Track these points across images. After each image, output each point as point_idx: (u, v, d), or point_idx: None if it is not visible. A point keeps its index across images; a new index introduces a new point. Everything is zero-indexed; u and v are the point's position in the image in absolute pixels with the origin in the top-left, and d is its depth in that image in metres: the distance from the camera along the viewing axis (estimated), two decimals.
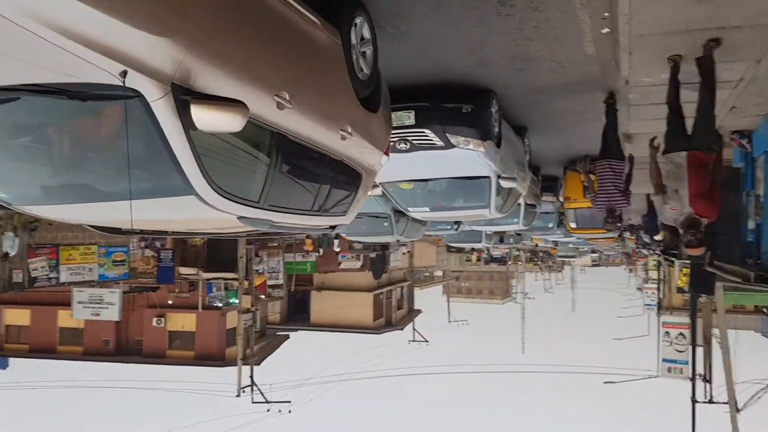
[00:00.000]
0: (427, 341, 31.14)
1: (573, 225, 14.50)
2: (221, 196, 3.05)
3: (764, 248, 7.93)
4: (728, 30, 4.58)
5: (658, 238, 19.00)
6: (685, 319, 16.79)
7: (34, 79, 2.47)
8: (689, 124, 5.02)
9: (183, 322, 26.56)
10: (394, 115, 6.31)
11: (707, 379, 15.67)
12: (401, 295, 37.54)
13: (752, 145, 8.36)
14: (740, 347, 15.14)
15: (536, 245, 37.21)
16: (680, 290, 22.46)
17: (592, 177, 7.51)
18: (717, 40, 4.63)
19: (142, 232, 3.99)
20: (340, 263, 29.64)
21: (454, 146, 6.47)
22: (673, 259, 17.33)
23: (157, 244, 22.73)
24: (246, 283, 22.66)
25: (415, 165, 6.89)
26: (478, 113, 6.44)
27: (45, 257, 17.54)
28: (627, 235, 25.48)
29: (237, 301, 22.59)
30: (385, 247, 28.10)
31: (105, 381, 29.39)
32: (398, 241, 13.41)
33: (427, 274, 51.82)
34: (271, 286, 26.42)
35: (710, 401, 15.43)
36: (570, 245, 37.74)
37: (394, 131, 6.32)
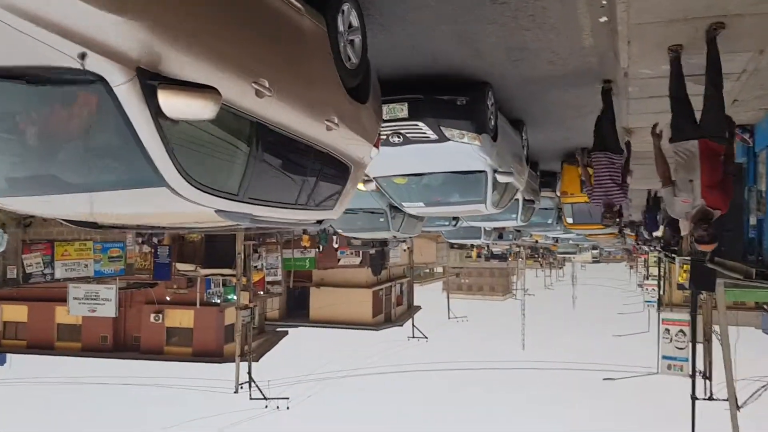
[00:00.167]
0: (426, 338, 31.06)
1: (570, 220, 14.14)
2: (195, 187, 2.90)
3: (766, 244, 7.80)
4: (729, 18, 4.42)
5: (657, 234, 18.88)
6: (685, 316, 16.65)
7: None
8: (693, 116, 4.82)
9: (181, 318, 26.54)
10: (386, 107, 6.16)
11: (707, 376, 15.55)
12: (401, 292, 37.47)
13: (754, 140, 8.21)
14: (740, 344, 14.99)
15: (536, 242, 37.03)
16: (680, 287, 22.36)
17: (590, 171, 7.33)
18: (721, 23, 4.44)
19: (118, 226, 3.84)
20: (339, 259, 29.57)
21: (448, 139, 6.31)
22: (674, 255, 17.20)
23: (155, 240, 22.65)
24: (244, 279, 22.55)
25: (409, 159, 6.74)
26: (474, 106, 6.28)
27: (39, 253, 17.37)
28: (627, 231, 25.30)
29: (235, 298, 22.48)
30: (384, 243, 27.96)
31: (103, 377, 29.33)
32: (395, 237, 13.26)
33: (427, 270, 51.74)
34: (269, 283, 26.37)
35: (710, 398, 15.32)
36: (570, 242, 37.63)
37: (386, 124, 6.17)
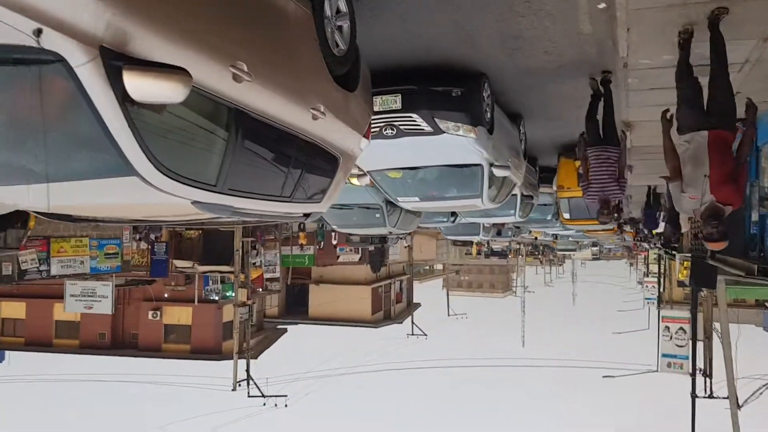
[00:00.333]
0: (425, 335, 30.95)
1: (567, 216, 13.65)
2: (169, 177, 2.74)
3: None
4: (732, 2, 4.25)
5: (658, 231, 18.71)
6: (686, 314, 16.52)
7: None
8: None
9: (179, 315, 26.50)
10: (379, 99, 6.01)
11: (707, 374, 15.43)
12: (400, 289, 37.37)
13: (757, 134, 8.04)
14: (741, 342, 14.88)
15: (536, 238, 36.88)
16: (681, 284, 22.23)
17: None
18: (724, 8, 4.24)
19: (95, 219, 3.69)
20: (338, 256, 29.45)
21: (443, 132, 6.16)
22: (674, 252, 17.05)
23: (152, 236, 22.54)
24: (242, 276, 22.45)
25: (403, 152, 6.58)
26: (469, 97, 6.12)
27: (35, 250, 17.26)
28: (627, 228, 25.13)
29: (233, 295, 22.38)
30: (384, 239, 27.83)
31: (101, 374, 29.25)
32: (390, 232, 13.10)
33: (427, 267, 51.62)
34: (268, 280, 26.28)
35: (710, 396, 15.21)
36: (570, 238, 37.49)
37: (379, 116, 6.02)
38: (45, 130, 2.36)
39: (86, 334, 26.65)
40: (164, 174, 2.71)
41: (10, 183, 2.60)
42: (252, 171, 3.38)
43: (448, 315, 43.17)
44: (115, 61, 2.27)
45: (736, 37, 4.78)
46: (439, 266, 55.20)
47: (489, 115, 6.55)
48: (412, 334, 30.89)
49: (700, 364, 15.62)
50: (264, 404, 21.19)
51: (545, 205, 14.67)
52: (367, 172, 7.48)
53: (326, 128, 3.95)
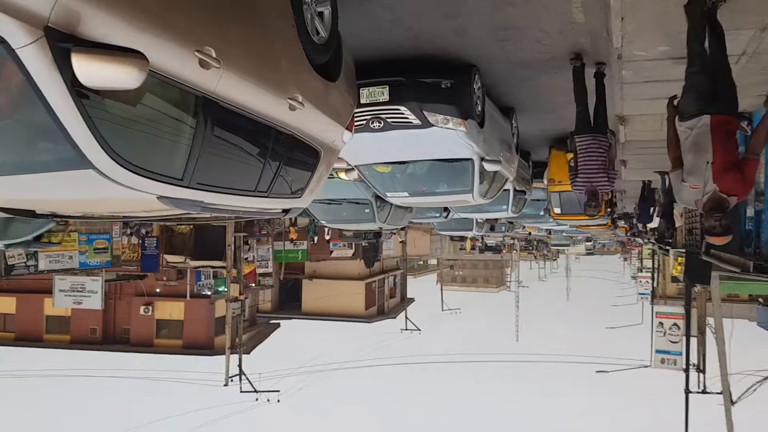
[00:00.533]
0: (419, 330, 30.91)
1: (558, 210, 13.09)
2: (130, 170, 2.55)
3: (764, 237, 7.52)
4: None
5: (652, 226, 18.63)
6: (679, 310, 16.46)
7: None
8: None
9: (171, 310, 26.33)
10: (366, 90, 5.82)
11: (701, 369, 15.39)
12: (394, 284, 37.26)
13: (752, 128, 7.90)
14: (734, 337, 14.82)
15: (530, 233, 36.81)
16: (674, 279, 22.21)
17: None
18: None
19: (60, 215, 3.50)
20: (331, 251, 29.30)
21: (432, 125, 5.96)
22: (668, 248, 16.97)
23: (142, 231, 22.34)
24: (234, 271, 22.31)
25: (391, 146, 6.39)
26: (459, 89, 5.93)
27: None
28: (621, 223, 25.06)
29: (226, 290, 22.25)
30: (378, 235, 27.69)
31: (92, 370, 29.05)
32: (381, 228, 12.94)
33: (421, 262, 51.55)
34: (261, 275, 26.15)
35: (704, 391, 15.17)
36: (564, 234, 37.43)
37: (366, 108, 5.83)
38: None
39: (77, 329, 26.45)
40: (123, 167, 2.52)
41: None
42: (223, 164, 3.19)
43: (442, 310, 43.12)
44: (63, 42, 2.07)
45: (734, 27, 4.62)
46: (433, 261, 55.12)
47: (479, 107, 6.37)
48: (406, 329, 30.85)
49: (693, 359, 15.59)
50: (256, 399, 21.18)
51: (539, 200, 14.50)
52: (355, 166, 7.29)
53: (305, 119, 3.75)
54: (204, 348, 25.87)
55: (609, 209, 13.84)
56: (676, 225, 15.06)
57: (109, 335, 26.80)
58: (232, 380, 20.88)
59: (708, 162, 3.69)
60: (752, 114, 7.85)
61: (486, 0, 4.90)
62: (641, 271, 39.75)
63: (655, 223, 17.35)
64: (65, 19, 2.07)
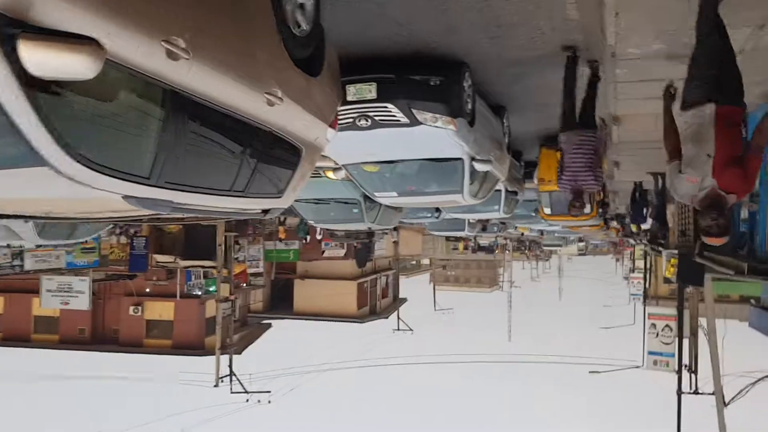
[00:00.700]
0: (411, 330, 30.83)
1: (548, 211, 12.89)
2: (89, 168, 2.37)
3: (758, 239, 7.42)
4: None
5: (644, 227, 18.57)
6: (672, 311, 16.40)
7: None
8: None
9: (161, 310, 26.14)
10: (353, 87, 5.65)
11: (693, 370, 15.34)
12: (386, 284, 37.14)
13: (747, 130, 7.79)
14: (726, 338, 14.79)
15: (522, 234, 36.77)
16: (667, 280, 22.18)
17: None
18: None
19: (21, 216, 3.31)
20: (323, 251, 29.12)
21: (421, 123, 5.81)
22: (660, 249, 16.92)
23: (131, 230, 22.10)
24: (225, 271, 22.13)
25: (378, 144, 6.24)
26: (448, 87, 5.78)
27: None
28: (614, 224, 25.02)
29: (216, 290, 22.07)
30: (370, 234, 27.56)
31: (81, 370, 28.77)
32: (370, 228, 12.78)
33: (414, 262, 51.46)
34: (252, 274, 25.98)
35: (696, 392, 15.12)
36: (556, 234, 37.43)
37: (353, 106, 5.66)
38: None
39: (66, 329, 26.21)
40: (82, 164, 2.33)
41: None
42: (195, 162, 3.01)
43: (435, 310, 43.12)
44: (8, 28, 1.90)
45: (732, 24, 4.48)
46: (426, 261, 55.07)
47: (470, 106, 6.22)
48: (398, 330, 30.79)
49: (685, 360, 15.53)
50: (247, 400, 21.14)
51: (530, 200, 14.38)
52: (342, 165, 7.12)
53: (284, 116, 3.58)
54: (194, 348, 25.68)
55: (601, 209, 13.75)
56: (669, 225, 15.02)
57: (98, 335, 26.56)
58: (222, 381, 20.84)
59: (708, 155, 3.42)
60: (747, 115, 7.74)
61: None
62: (633, 272, 39.82)
63: (648, 223, 17.30)
64: (13, 2, 1.90)
